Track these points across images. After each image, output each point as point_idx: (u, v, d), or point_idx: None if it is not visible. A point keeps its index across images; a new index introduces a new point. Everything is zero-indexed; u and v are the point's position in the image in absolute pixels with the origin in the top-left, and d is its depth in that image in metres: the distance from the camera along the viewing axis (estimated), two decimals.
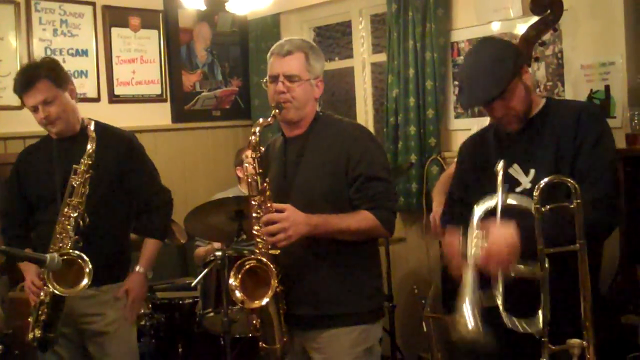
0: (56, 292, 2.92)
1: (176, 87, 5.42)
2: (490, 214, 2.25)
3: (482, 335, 2.11)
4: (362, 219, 2.56)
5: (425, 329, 4.02)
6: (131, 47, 5.19)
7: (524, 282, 2.29)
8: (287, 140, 2.75)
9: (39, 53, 4.68)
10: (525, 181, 2.42)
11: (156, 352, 4.15)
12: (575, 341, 2.17)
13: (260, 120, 2.60)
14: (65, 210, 3.02)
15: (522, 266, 2.19)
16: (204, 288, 3.78)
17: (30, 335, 3.01)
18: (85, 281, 2.93)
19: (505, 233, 2.20)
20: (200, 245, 4.43)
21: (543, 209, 2.16)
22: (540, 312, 2.17)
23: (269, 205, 2.50)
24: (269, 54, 2.72)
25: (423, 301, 3.89)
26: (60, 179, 3.13)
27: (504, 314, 2.20)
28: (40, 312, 3.00)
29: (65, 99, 3.15)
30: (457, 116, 4.45)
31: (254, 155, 2.55)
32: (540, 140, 2.43)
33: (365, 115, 5.16)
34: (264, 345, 2.62)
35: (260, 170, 2.54)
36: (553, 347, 2.20)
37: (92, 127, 3.10)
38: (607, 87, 3.65)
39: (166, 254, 5.06)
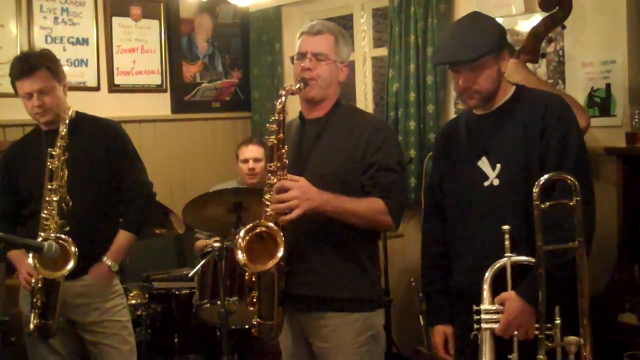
0: (43, 275, 2.93)
1: (176, 77, 5.41)
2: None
3: None
4: (372, 204, 2.54)
5: (422, 323, 4.04)
6: (132, 37, 5.17)
7: None
8: (305, 122, 2.74)
9: (39, 41, 4.67)
10: (492, 175, 2.43)
11: (152, 342, 4.15)
12: (572, 338, 2.18)
13: (287, 86, 2.58)
14: (47, 196, 3.02)
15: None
16: (201, 279, 3.77)
17: (31, 326, 3.02)
18: (71, 263, 2.94)
19: (520, 305, 2.28)
20: (201, 237, 4.43)
21: (543, 206, 2.17)
22: None
23: (284, 172, 2.48)
24: (298, 34, 2.74)
25: (420, 294, 3.89)
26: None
27: None
28: (35, 300, 3.00)
29: (60, 91, 3.18)
30: (458, 112, 4.44)
31: (277, 118, 2.51)
32: (507, 132, 2.42)
33: (365, 109, 5.14)
34: (258, 320, 2.59)
35: (281, 135, 2.50)
36: (550, 344, 2.20)
37: (69, 112, 3.11)
38: (608, 86, 3.64)
39: (163, 244, 5.08)
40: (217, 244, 3.46)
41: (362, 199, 2.55)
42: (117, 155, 3.27)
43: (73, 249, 2.95)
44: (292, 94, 2.59)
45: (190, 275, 3.77)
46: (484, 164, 2.45)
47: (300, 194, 2.41)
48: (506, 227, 2.31)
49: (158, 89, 5.33)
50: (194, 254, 4.54)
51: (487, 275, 2.34)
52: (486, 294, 2.34)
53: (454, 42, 2.43)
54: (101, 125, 3.32)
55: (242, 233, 2.48)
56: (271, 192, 2.48)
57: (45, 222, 3.01)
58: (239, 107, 5.77)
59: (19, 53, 4.51)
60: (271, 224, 2.46)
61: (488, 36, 2.39)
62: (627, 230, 3.36)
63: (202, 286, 3.76)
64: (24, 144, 3.34)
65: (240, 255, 2.45)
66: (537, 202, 2.17)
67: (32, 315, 3.02)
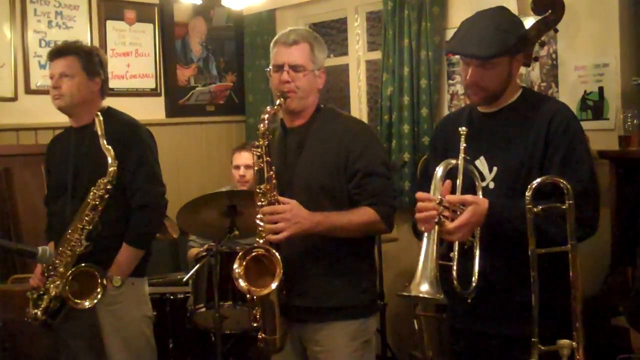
0: (71, 306, 2.90)
1: (170, 81, 5.41)
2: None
3: (438, 293, 2.15)
4: (362, 215, 2.57)
5: (416, 327, 4.03)
6: (126, 41, 5.17)
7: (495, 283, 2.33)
8: (286, 131, 2.76)
9: (33, 44, 4.67)
10: (489, 177, 2.39)
11: None
12: (565, 342, 2.17)
13: (269, 108, 2.61)
14: (79, 224, 2.95)
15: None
16: (196, 283, 3.76)
17: (32, 313, 2.97)
18: (88, 301, 2.90)
19: (482, 210, 2.20)
20: (194, 245, 4.41)
21: (535, 210, 2.17)
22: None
23: (274, 194, 2.53)
24: (272, 43, 2.74)
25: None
26: (72, 170, 3.10)
27: (455, 281, 2.23)
28: (42, 300, 2.96)
29: (84, 84, 3.13)
30: None
31: (262, 143, 2.55)
32: (508, 136, 2.36)
33: (359, 112, 5.16)
34: (263, 335, 2.64)
35: (268, 159, 2.55)
36: (542, 347, 2.20)
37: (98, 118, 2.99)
38: (601, 89, 3.66)
39: (158, 249, 5.04)
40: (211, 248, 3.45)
41: (352, 212, 2.58)
42: (121, 159, 3.03)
43: (99, 291, 2.89)
44: (275, 113, 2.62)
45: (184, 279, 3.76)
46: (482, 164, 2.40)
47: (289, 217, 2.47)
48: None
49: (152, 92, 5.33)
50: (189, 262, 4.52)
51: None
52: (459, 182, 2.26)
53: (471, 34, 2.35)
54: (114, 127, 3.11)
55: (237, 261, 2.52)
56: (262, 214, 2.52)
57: (73, 243, 2.94)
58: (233, 111, 5.76)
59: (12, 57, 4.54)
60: (267, 247, 2.50)
61: (507, 37, 2.32)
62: (620, 234, 3.38)
63: (197, 291, 3.75)
64: (58, 140, 3.29)
65: (243, 283, 2.51)
66: (529, 206, 2.16)
67: (39, 310, 2.96)
